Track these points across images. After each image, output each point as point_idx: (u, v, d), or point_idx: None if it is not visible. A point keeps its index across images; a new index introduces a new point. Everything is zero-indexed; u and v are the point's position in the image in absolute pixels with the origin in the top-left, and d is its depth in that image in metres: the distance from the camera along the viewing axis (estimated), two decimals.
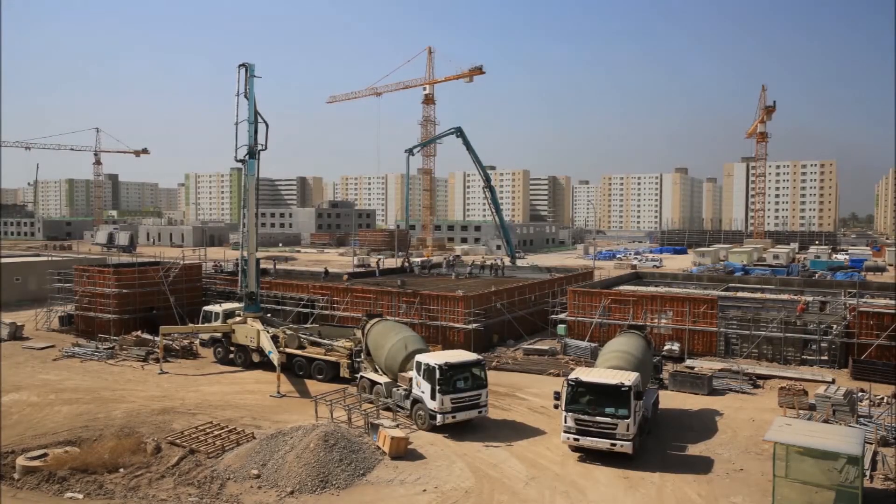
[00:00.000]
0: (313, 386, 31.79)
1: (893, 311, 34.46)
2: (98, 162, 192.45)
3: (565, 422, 22.38)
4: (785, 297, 45.75)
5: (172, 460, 21.84)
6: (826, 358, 35.34)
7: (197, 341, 40.01)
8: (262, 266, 46.87)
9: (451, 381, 24.82)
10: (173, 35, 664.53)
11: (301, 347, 34.57)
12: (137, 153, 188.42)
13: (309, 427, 22.98)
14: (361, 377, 29.85)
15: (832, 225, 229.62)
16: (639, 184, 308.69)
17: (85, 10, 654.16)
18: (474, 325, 38.28)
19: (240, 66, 36.26)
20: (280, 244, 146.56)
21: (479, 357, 26.85)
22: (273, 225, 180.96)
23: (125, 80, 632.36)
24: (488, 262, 64.05)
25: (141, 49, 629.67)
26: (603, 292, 41.24)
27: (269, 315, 40.00)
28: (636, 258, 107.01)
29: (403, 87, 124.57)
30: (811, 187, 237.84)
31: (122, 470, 21.07)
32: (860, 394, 28.49)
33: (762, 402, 29.48)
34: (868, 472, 20.32)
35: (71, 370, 35.31)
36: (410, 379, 26.25)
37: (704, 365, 34.40)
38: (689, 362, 35.36)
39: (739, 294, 47.31)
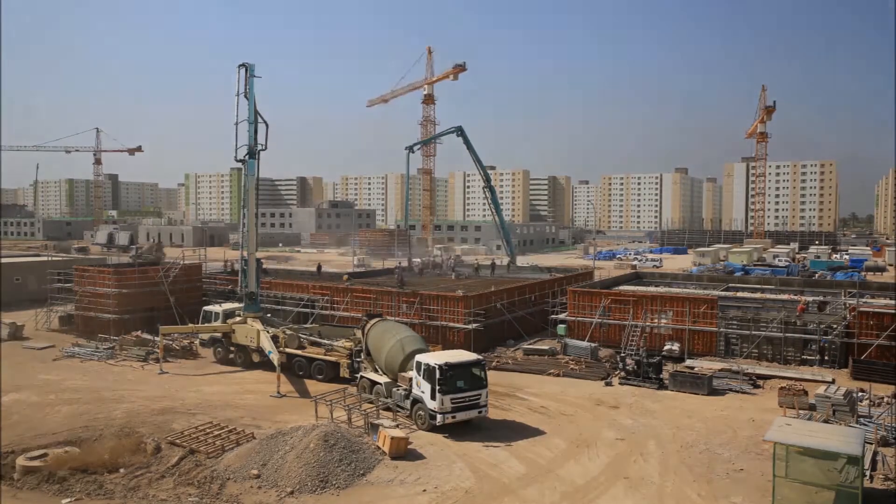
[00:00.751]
0: (313, 386, 31.79)
1: (893, 311, 34.47)
2: (98, 162, 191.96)
3: None
4: (785, 297, 45.75)
5: (172, 460, 21.85)
6: (826, 358, 35.35)
7: (197, 341, 40.03)
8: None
9: (451, 381, 24.82)
10: (173, 35, 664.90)
11: (301, 347, 34.58)
12: (131, 151, 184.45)
13: (309, 427, 22.98)
14: (361, 377, 29.85)
15: (832, 225, 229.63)
16: (639, 184, 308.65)
17: (84, 10, 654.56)
18: (474, 325, 38.30)
19: (240, 66, 36.24)
20: (280, 244, 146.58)
21: (479, 357, 26.88)
22: (273, 225, 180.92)
23: (125, 80, 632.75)
24: (486, 263, 64.18)
25: (141, 49, 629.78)
26: (603, 292, 41.25)
27: (268, 315, 40.01)
28: (636, 258, 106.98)
29: (410, 88, 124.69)
30: (811, 187, 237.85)
31: (122, 470, 21.09)
32: (860, 394, 28.49)
33: (762, 402, 29.48)
34: (868, 472, 20.32)
35: (71, 370, 35.33)
36: (410, 379, 26.25)
37: (704, 365, 34.42)
38: (689, 362, 35.38)
39: (739, 294, 47.30)
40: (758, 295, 47.07)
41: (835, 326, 35.81)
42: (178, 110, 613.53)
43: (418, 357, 25.96)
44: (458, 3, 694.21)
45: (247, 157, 36.40)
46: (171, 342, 38.55)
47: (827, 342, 35.29)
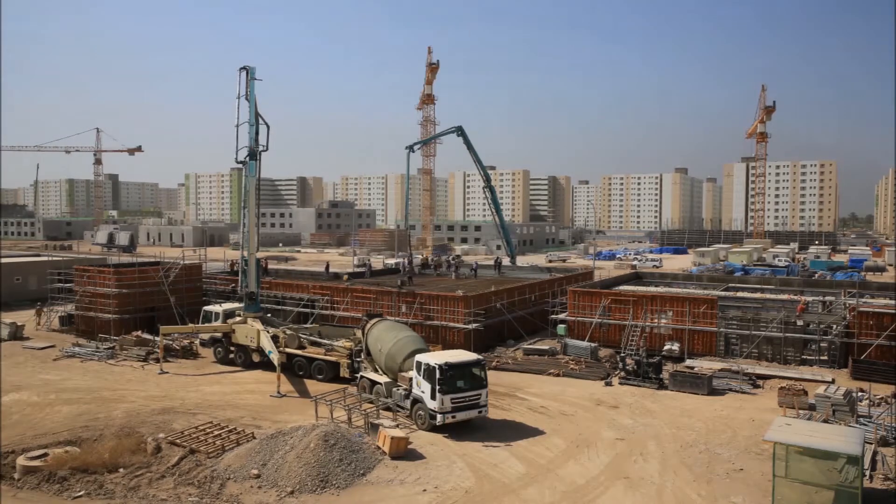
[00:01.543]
0: (313, 386, 31.80)
1: (893, 311, 34.48)
2: (98, 162, 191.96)
3: None
4: (785, 297, 45.76)
5: (172, 460, 21.85)
6: (826, 358, 35.37)
7: (197, 341, 40.02)
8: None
9: (451, 381, 24.83)
10: (173, 34, 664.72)
11: (301, 347, 34.58)
12: (131, 151, 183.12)
13: (309, 427, 22.99)
14: (361, 377, 29.85)
15: (832, 225, 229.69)
16: (639, 184, 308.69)
17: (84, 10, 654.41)
18: (474, 325, 38.31)
19: (241, 69, 36.38)
20: (280, 244, 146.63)
21: (479, 357, 26.87)
22: (273, 225, 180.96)
23: (125, 80, 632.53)
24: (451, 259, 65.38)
25: (141, 48, 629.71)
26: (603, 292, 41.25)
27: (269, 315, 40.02)
28: (636, 258, 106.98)
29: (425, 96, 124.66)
30: (811, 187, 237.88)
31: (122, 470, 21.08)
32: (860, 394, 28.50)
33: (762, 402, 29.49)
34: (868, 472, 20.34)
35: (71, 370, 35.33)
36: (410, 379, 26.26)
37: (704, 365, 34.42)
38: (689, 362, 35.38)
39: (739, 294, 47.32)
40: (758, 295, 47.09)
41: (834, 326, 35.83)
42: (178, 110, 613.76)
43: (418, 357, 25.97)
44: (458, 3, 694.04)
45: (248, 158, 36.44)
46: (171, 342, 38.56)
47: (827, 342, 35.31)
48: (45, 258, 63.89)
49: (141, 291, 44.55)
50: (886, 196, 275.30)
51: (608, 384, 32.62)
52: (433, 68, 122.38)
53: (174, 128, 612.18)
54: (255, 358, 35.76)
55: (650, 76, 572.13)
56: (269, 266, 59.26)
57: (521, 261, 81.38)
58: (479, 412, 25.55)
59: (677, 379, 31.37)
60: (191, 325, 39.99)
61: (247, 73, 36.29)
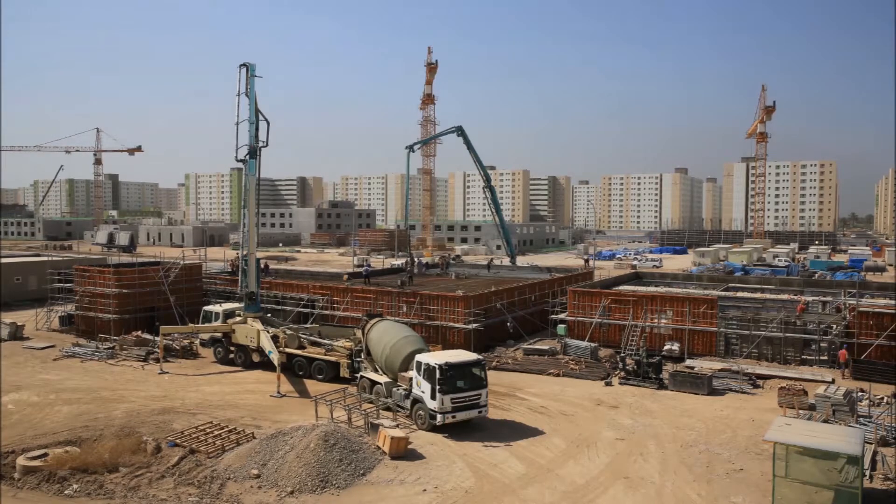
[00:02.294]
0: (313, 386, 31.80)
1: (893, 311, 34.48)
2: (98, 162, 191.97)
3: None
4: (785, 297, 45.75)
5: (172, 460, 21.85)
6: (826, 358, 35.36)
7: (197, 341, 40.02)
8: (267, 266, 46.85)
9: (451, 381, 24.82)
10: (173, 33, 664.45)
11: (301, 347, 34.58)
12: (131, 151, 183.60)
13: (309, 427, 22.99)
14: (361, 377, 29.85)
15: (832, 225, 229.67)
16: (639, 184, 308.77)
17: (84, 10, 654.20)
18: (474, 325, 38.30)
19: (241, 65, 36.28)
20: (280, 244, 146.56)
21: (479, 357, 26.85)
22: (273, 225, 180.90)
23: (125, 79, 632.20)
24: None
25: (140, 48, 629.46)
26: (603, 292, 41.25)
27: (269, 315, 40.01)
28: (636, 258, 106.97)
29: (424, 96, 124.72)
30: (811, 187, 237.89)
31: (122, 470, 21.07)
32: (860, 394, 28.50)
33: (762, 402, 29.49)
34: (868, 472, 20.33)
35: (71, 370, 35.33)
36: (410, 379, 26.26)
37: (704, 365, 34.42)
38: (689, 362, 35.38)
39: (739, 294, 47.31)
40: (758, 295, 47.08)
41: (834, 326, 35.83)
42: (178, 110, 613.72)
43: (418, 357, 25.96)
44: (459, 3, 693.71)
45: (248, 156, 36.41)
46: (171, 342, 38.55)
47: (827, 342, 35.31)
48: (45, 258, 63.82)
49: (141, 291, 44.54)
50: (886, 196, 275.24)
51: (608, 384, 32.62)
52: (432, 68, 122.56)
53: (174, 128, 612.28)
54: (255, 358, 35.75)
55: (650, 76, 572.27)
56: (270, 266, 59.28)
57: (521, 261, 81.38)
58: (479, 412, 25.55)
59: (677, 379, 31.37)
60: (191, 325, 39.97)
61: (247, 70, 36.22)
